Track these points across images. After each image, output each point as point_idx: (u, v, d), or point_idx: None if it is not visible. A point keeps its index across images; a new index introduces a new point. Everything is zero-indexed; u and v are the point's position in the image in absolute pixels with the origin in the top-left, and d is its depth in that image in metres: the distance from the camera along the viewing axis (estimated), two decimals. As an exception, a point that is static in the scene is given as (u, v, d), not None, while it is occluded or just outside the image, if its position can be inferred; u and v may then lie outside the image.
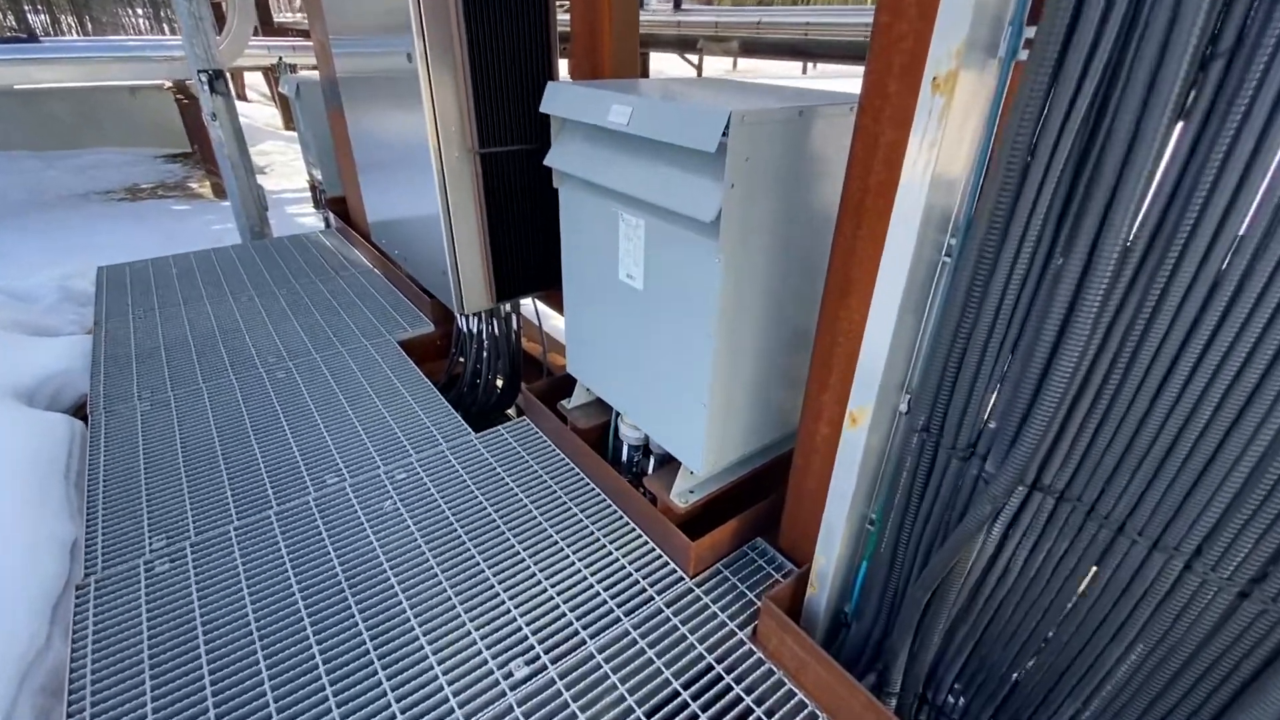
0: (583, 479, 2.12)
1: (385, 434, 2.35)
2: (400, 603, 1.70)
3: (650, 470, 2.10)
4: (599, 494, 2.06)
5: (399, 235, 2.58)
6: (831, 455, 1.64)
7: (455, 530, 1.93)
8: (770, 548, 1.92)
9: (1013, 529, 1.21)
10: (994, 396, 1.16)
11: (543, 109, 1.74)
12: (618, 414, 2.12)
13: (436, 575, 1.78)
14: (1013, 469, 1.12)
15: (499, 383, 2.88)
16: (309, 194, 5.53)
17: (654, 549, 1.87)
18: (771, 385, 1.77)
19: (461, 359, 2.90)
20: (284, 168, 8.73)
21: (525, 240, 2.24)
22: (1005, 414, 1.13)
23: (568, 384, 2.48)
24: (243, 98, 11.88)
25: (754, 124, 1.28)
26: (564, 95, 1.68)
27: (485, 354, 2.66)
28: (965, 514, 1.25)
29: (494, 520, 1.96)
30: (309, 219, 6.82)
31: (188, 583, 1.75)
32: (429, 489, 2.09)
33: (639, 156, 1.55)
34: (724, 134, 1.26)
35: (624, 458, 2.15)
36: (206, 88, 4.28)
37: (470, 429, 2.38)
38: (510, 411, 3.19)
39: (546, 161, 1.82)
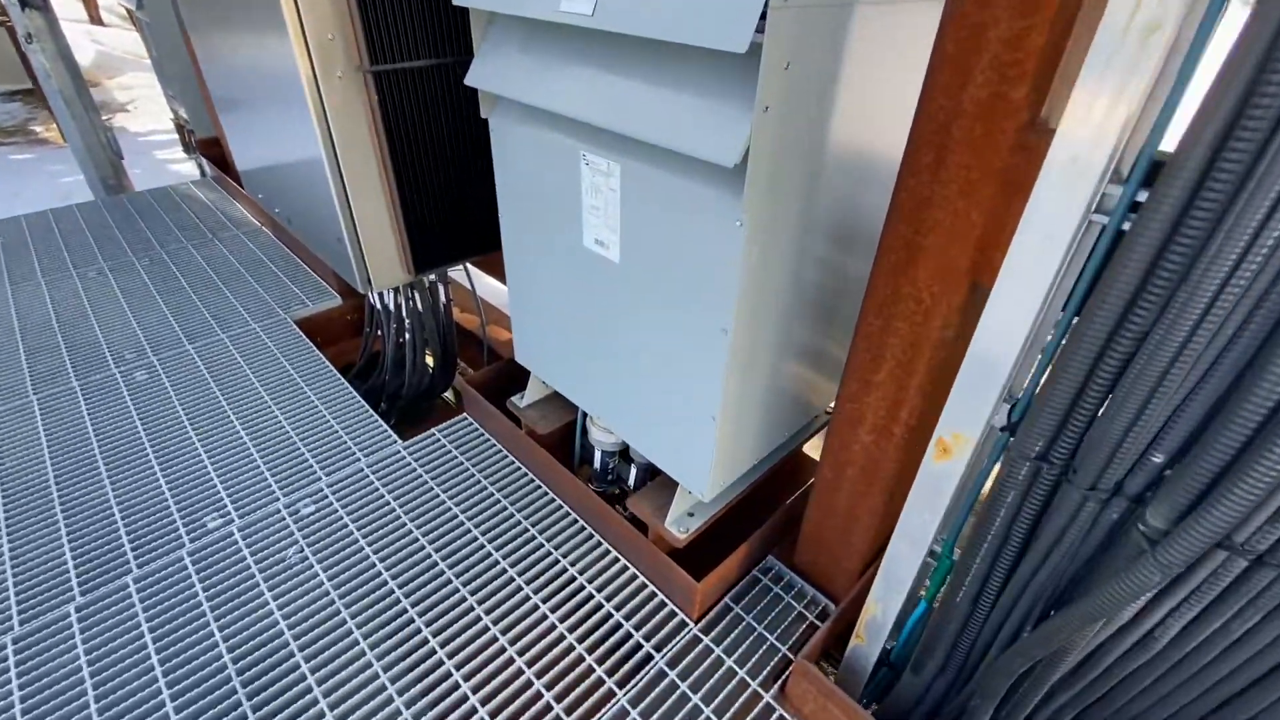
0: (548, 497, 1.70)
1: (285, 451, 1.84)
2: (317, 701, 1.26)
3: (631, 483, 1.69)
4: (570, 516, 1.65)
5: (276, 188, 1.98)
6: (874, 469, 1.28)
7: (386, 584, 1.48)
8: (784, 568, 1.58)
9: (1175, 587, 0.88)
10: (1165, 424, 0.79)
11: (459, 1, 1.20)
12: (583, 411, 1.69)
13: (365, 655, 1.34)
14: (1203, 531, 0.76)
15: (429, 361, 2.37)
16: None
17: (647, 588, 1.49)
18: (791, 378, 1.37)
19: (380, 334, 2.37)
20: (151, 103, 7.47)
21: (450, 191, 1.71)
22: (1193, 452, 0.76)
23: (517, 371, 2.02)
24: (97, 21, 10.11)
25: (804, 7, 0.82)
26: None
27: (409, 334, 2.14)
28: (1098, 564, 0.91)
29: (436, 565, 1.52)
30: (185, 166, 5.82)
31: (8, 691, 1.25)
32: (346, 526, 1.62)
33: (611, 68, 1.06)
34: (758, 27, 0.79)
35: (595, 464, 1.73)
36: (15, 2, 3.35)
37: (395, 435, 1.89)
38: (447, 396, 2.69)
39: (469, 80, 1.29)
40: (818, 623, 1.45)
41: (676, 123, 0.94)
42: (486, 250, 1.89)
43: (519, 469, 1.78)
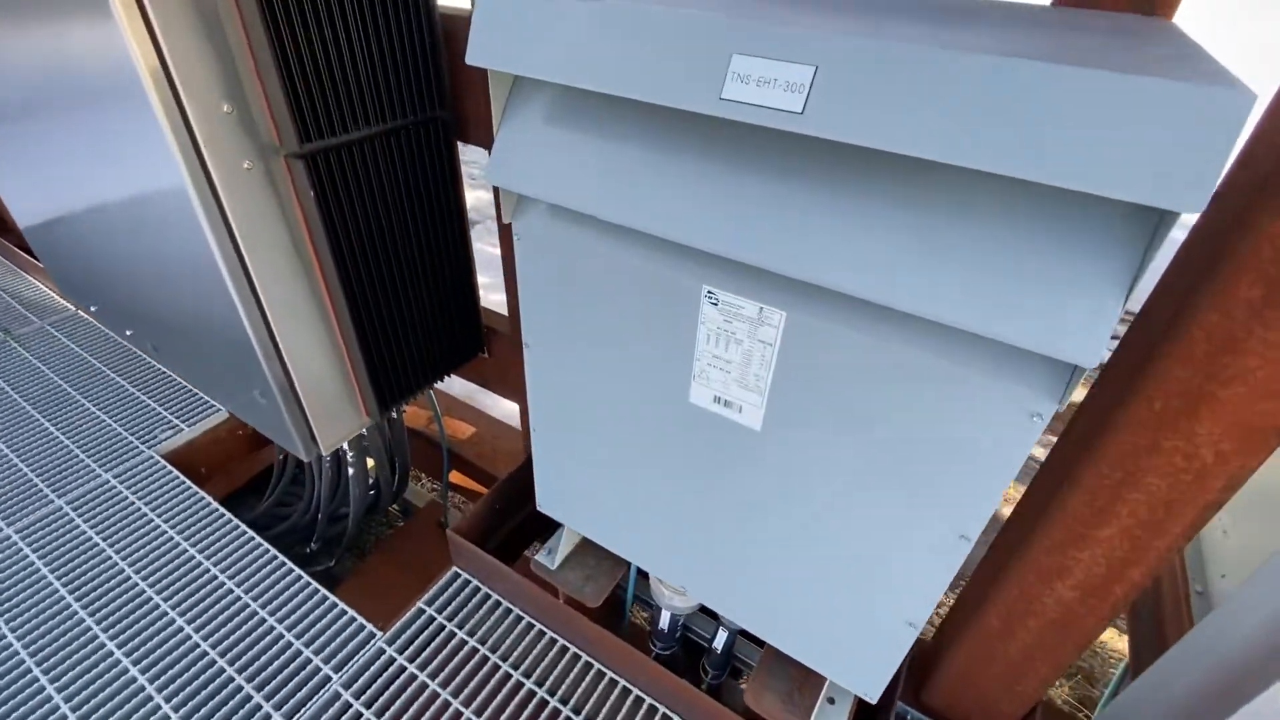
0: (611, 684, 1.30)
1: (212, 683, 1.28)
2: None
3: (717, 645, 1.33)
4: (647, 704, 1.26)
5: (126, 302, 1.32)
6: (1072, 625, 1.03)
7: None
8: (915, 713, 1.31)
9: None
10: None
11: (473, 60, 0.73)
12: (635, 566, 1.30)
13: None
14: None
15: (369, 468, 1.83)
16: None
17: (781, 799, 1.16)
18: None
19: (295, 489, 1.79)
20: None
21: (421, 296, 1.20)
22: None
23: (513, 504, 1.59)
24: None
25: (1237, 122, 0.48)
26: (561, 21, 0.69)
27: (349, 453, 1.60)
28: None
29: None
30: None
31: None
32: (344, 804, 1.12)
33: (809, 192, 0.66)
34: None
35: (660, 624, 1.36)
36: None
37: (365, 622, 1.39)
38: (394, 508, 2.15)
39: (491, 177, 0.83)
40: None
41: (972, 295, 0.58)
42: (468, 358, 1.41)
43: (555, 644, 1.36)
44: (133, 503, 1.63)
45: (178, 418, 1.88)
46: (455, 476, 2.11)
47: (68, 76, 0.89)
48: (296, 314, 1.04)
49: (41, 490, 1.65)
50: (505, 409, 3.16)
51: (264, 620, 1.39)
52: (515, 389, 1.56)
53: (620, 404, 0.99)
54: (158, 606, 1.41)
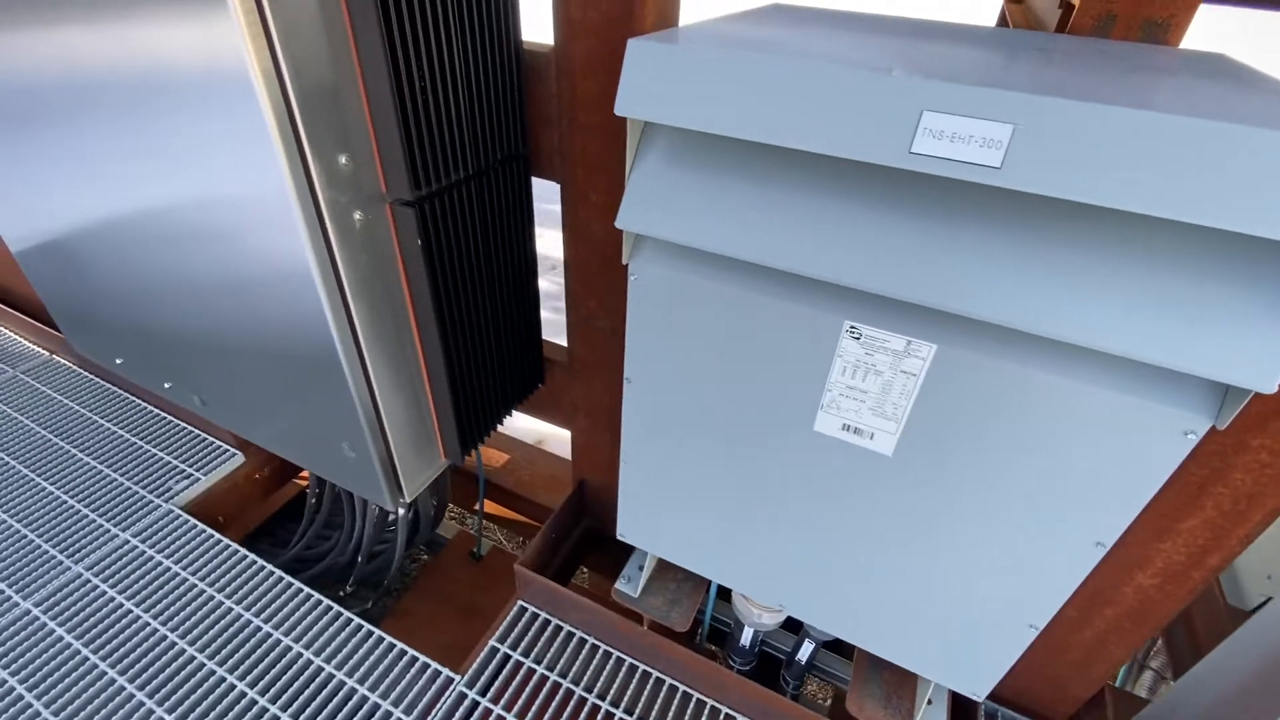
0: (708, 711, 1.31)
1: (290, 753, 1.22)
2: None
3: (802, 657, 1.36)
4: (737, 722, 1.28)
5: (178, 356, 1.22)
6: (1150, 612, 1.11)
7: None
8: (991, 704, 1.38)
9: None
10: None
11: (627, 111, 0.75)
12: (716, 585, 1.32)
13: None
14: None
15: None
16: None
17: (884, 800, 1.20)
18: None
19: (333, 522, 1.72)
20: None
21: (502, 334, 1.18)
22: None
23: (564, 534, 1.58)
24: None
25: None
26: (731, 75, 0.70)
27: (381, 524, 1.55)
28: None
29: None
30: None
31: None
32: None
33: (974, 224, 0.70)
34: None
35: (742, 640, 1.38)
36: None
37: (438, 666, 1.35)
38: (445, 534, 2.09)
39: (623, 223, 0.84)
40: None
41: (1152, 327, 0.63)
42: (531, 390, 1.39)
43: (638, 671, 1.36)
44: (158, 560, 1.54)
45: (190, 466, 1.78)
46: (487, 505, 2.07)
47: (173, 119, 0.82)
48: (392, 364, 1.01)
49: (55, 558, 1.53)
50: (523, 428, 3.08)
51: (329, 674, 1.34)
52: (567, 416, 1.55)
53: (733, 436, 1.01)
54: (202, 665, 1.33)
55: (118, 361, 1.36)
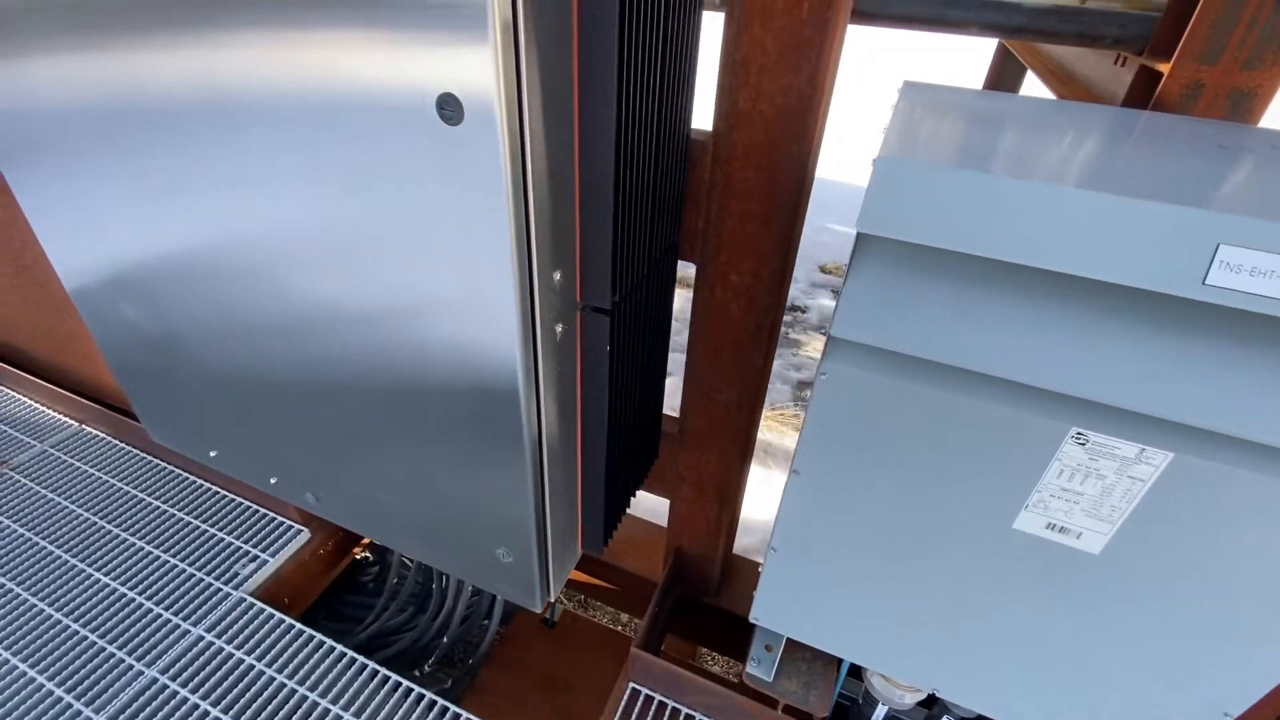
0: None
1: None
2: None
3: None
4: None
5: (293, 452, 1.13)
6: None
7: None
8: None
9: None
10: None
11: (873, 229, 0.73)
12: (848, 664, 1.30)
13: None
14: None
15: None
16: None
17: None
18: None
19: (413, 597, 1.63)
20: None
21: (645, 419, 1.14)
22: None
23: (681, 617, 1.54)
24: None
25: None
26: (1000, 200, 0.69)
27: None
28: None
29: None
30: None
31: None
32: None
33: (1223, 341, 0.70)
34: None
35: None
36: None
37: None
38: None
39: (838, 331, 0.83)
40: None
41: None
42: (650, 464, 1.35)
43: (765, 753, 1.32)
44: (230, 653, 1.44)
45: (254, 546, 1.68)
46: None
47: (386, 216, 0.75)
48: (562, 470, 0.97)
49: (127, 663, 1.41)
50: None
51: (450, 780, 1.26)
52: (670, 486, 1.51)
53: (912, 532, 0.99)
54: (322, 785, 1.24)
55: (211, 454, 1.27)
